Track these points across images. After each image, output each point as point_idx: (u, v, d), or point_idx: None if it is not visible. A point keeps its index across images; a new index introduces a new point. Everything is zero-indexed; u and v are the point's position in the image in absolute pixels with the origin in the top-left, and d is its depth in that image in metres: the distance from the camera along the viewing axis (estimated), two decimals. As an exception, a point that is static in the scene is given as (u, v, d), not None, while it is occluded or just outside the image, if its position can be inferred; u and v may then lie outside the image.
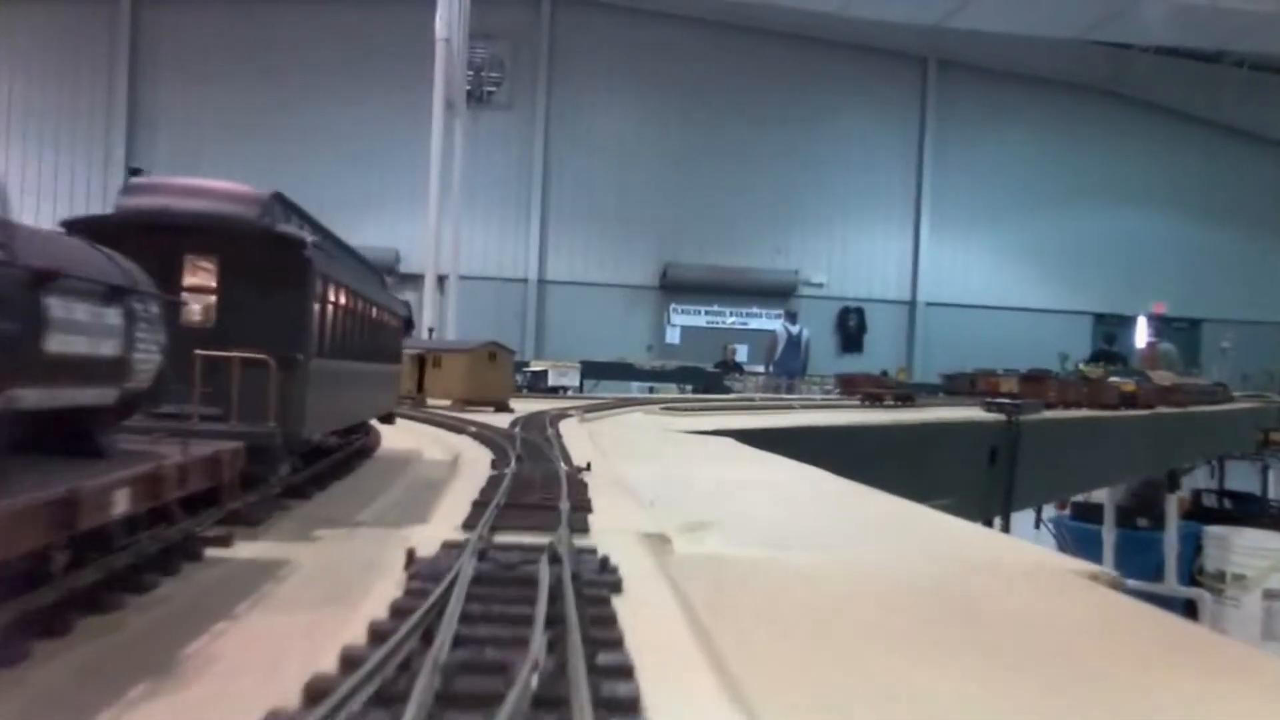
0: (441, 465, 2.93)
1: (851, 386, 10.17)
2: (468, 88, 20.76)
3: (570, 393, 6.99)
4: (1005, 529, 7.25)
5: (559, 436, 3.22)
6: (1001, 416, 7.22)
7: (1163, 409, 9.95)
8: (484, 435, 3.38)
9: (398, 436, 3.43)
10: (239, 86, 22.29)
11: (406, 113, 20.66)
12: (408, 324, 14.62)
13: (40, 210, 21.72)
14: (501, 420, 4.07)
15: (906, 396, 7.52)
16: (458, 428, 3.61)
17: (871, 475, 5.55)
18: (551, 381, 6.82)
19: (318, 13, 22.60)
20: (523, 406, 5.41)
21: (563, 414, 4.60)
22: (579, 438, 3.47)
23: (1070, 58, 23.55)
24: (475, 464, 2.70)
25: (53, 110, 22.07)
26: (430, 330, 12.84)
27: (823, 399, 8.64)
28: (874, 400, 7.20)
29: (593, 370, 14.66)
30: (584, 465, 2.58)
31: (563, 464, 2.54)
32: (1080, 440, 8.28)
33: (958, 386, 10.61)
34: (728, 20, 23.52)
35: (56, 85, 22.07)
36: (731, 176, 23.72)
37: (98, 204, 22.23)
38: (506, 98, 23.47)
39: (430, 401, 5.06)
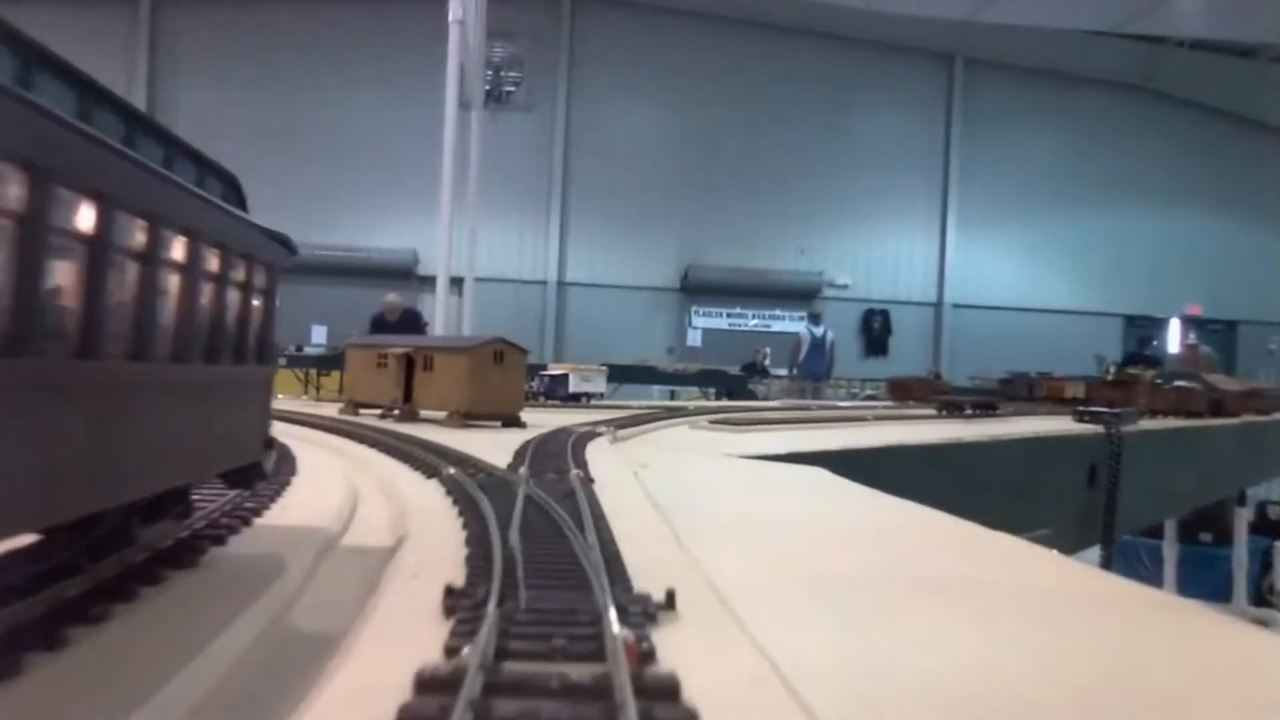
0: (362, 569, 1.46)
1: (904, 391, 8.82)
2: (486, 88, 19.56)
3: (592, 401, 5.67)
4: (1106, 562, 5.93)
5: (588, 481, 1.90)
6: (1099, 428, 5.89)
7: (1249, 416, 8.59)
8: (461, 489, 1.89)
9: (319, 484, 2.14)
10: (257, 87, 21.14)
11: (424, 113, 19.27)
12: (413, 318, 13.40)
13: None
14: (504, 446, 2.76)
15: (989, 405, 6.23)
16: (428, 465, 2.20)
17: (970, 505, 4.28)
18: (573, 388, 5.49)
19: (335, 13, 21.42)
20: (537, 419, 4.09)
21: (589, 433, 3.29)
22: (618, 480, 2.16)
23: (1102, 53, 22.07)
24: (432, 567, 1.40)
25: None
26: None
27: (885, 408, 7.31)
28: (953, 410, 5.91)
29: (614, 374, 13.37)
30: (661, 600, 1.19)
31: (605, 586, 1.15)
32: (1179, 453, 6.96)
33: (1014, 391, 9.22)
34: (751, 18, 22.18)
35: (73, 87, 20.94)
36: (754, 177, 22.37)
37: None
38: (526, 98, 22.20)
39: (423, 413, 3.78)
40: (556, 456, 2.38)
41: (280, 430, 3.08)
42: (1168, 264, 22.87)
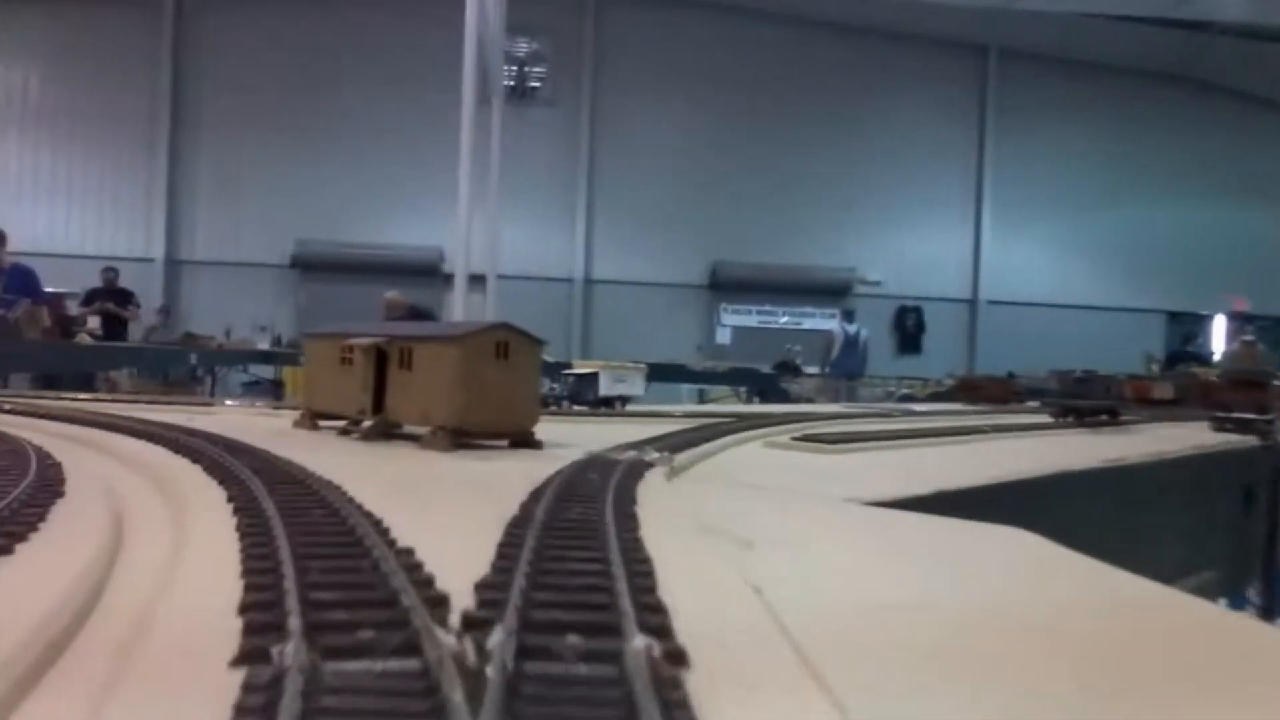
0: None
1: (975, 392, 7.49)
2: (510, 83, 18.44)
3: (627, 405, 4.40)
4: (1269, 608, 4.60)
5: (671, 665, 0.79)
6: (1252, 440, 4.58)
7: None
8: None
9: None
10: (280, 87, 20.11)
11: (447, 111, 18.11)
12: (423, 318, 12.20)
13: (85, 214, 19.77)
14: (490, 500, 1.52)
15: (1111, 410, 4.97)
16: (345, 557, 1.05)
17: (1129, 547, 3.05)
18: (604, 389, 4.25)
19: (359, 12, 20.34)
20: (557, 434, 2.86)
21: (636, 463, 2.06)
22: (726, 619, 0.96)
23: (1141, 42, 20.56)
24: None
25: (95, 115, 20.01)
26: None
27: (974, 410, 6.01)
28: (1075, 417, 4.66)
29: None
30: None
31: None
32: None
33: (1088, 392, 7.83)
34: (778, 11, 20.86)
35: (99, 90, 20.05)
36: (784, 172, 21.06)
37: (141, 208, 20.18)
38: (550, 93, 21.01)
39: (405, 426, 2.58)
40: (583, 534, 1.14)
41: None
42: (1211, 258, 21.31)
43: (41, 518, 1.24)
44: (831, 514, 1.83)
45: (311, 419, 3.02)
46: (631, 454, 2.34)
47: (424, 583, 0.91)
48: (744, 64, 20.88)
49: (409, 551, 1.03)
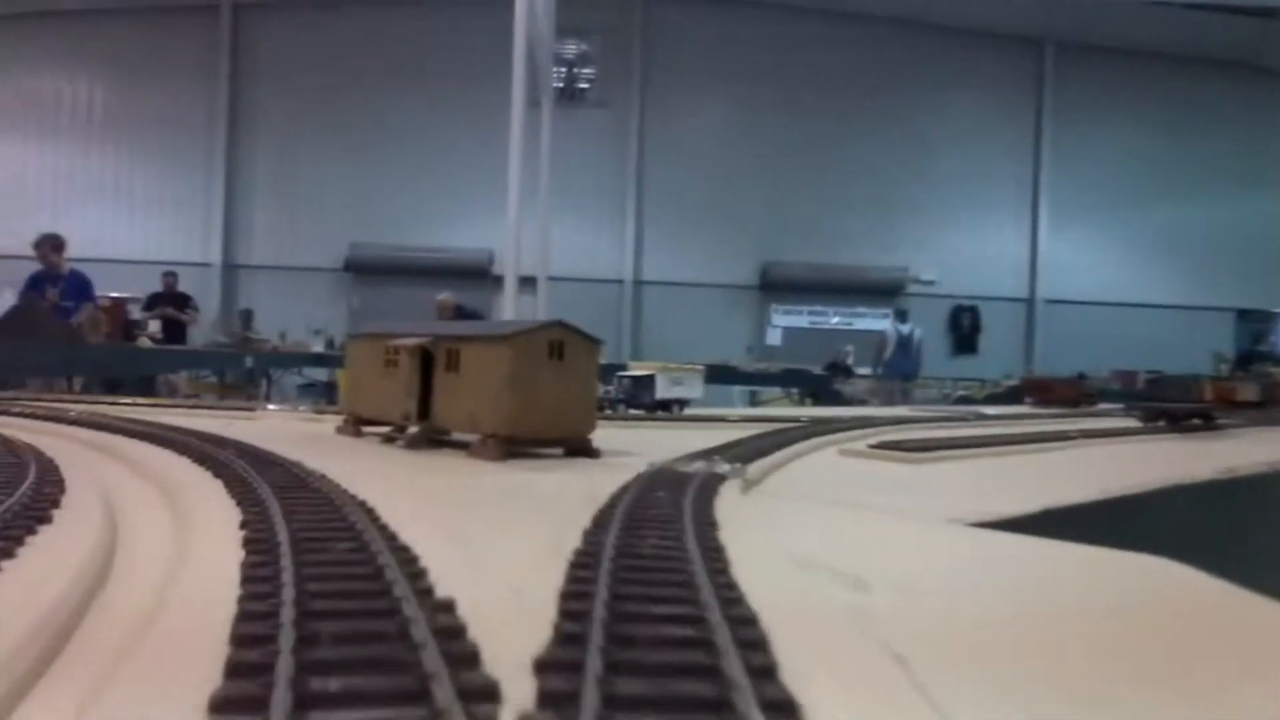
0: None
1: (1044, 393, 7.11)
2: (559, 85, 18.31)
3: (684, 409, 4.15)
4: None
5: None
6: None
7: None
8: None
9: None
10: (334, 91, 20.20)
11: (497, 114, 18.16)
12: (472, 319, 12.04)
13: (147, 220, 20.06)
14: (547, 523, 1.32)
15: (1205, 415, 4.61)
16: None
17: (1242, 569, 2.63)
18: (661, 393, 4.01)
19: (410, 15, 20.37)
20: (615, 442, 2.64)
21: (708, 477, 1.82)
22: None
23: (1205, 30, 19.76)
24: None
25: (156, 123, 20.31)
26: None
27: (1048, 413, 5.66)
28: (1168, 421, 4.31)
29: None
30: None
31: None
32: None
33: (1164, 394, 7.37)
34: (829, 8, 20.45)
35: (160, 99, 20.34)
36: (834, 170, 20.63)
37: (199, 214, 20.42)
38: (599, 94, 20.83)
39: (452, 432, 2.39)
40: (666, 579, 0.91)
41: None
42: (1280, 254, 20.43)
43: (19, 542, 1.04)
44: (940, 541, 1.57)
45: (354, 425, 2.82)
46: (700, 465, 2.10)
47: (466, 659, 0.67)
48: (794, 62, 20.50)
49: (448, 607, 0.80)
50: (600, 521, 1.26)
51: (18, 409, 2.79)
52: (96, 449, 2.03)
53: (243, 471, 1.53)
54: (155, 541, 1.16)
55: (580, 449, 2.48)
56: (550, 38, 14.12)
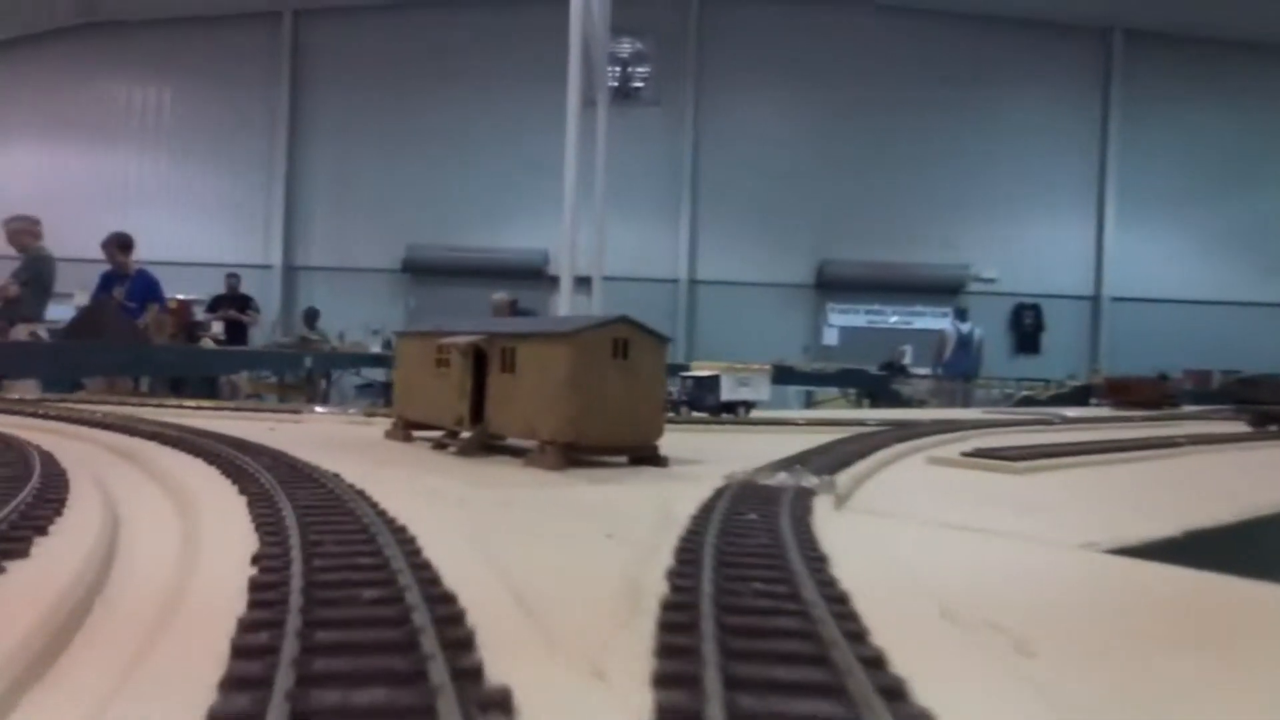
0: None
1: (1124, 393, 6.69)
2: (613, 84, 18.14)
3: (749, 411, 3.89)
4: None
5: None
6: None
7: None
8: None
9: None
10: (391, 93, 20.31)
11: (552, 113, 18.13)
12: (526, 314, 11.88)
13: (210, 223, 20.35)
14: (635, 547, 1.13)
15: (1320, 416, 4.24)
16: None
17: None
18: (725, 394, 3.76)
19: (464, 17, 20.38)
20: (683, 448, 2.40)
21: (798, 493, 1.59)
22: None
23: (1282, 17, 18.92)
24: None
25: (219, 129, 20.61)
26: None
27: (1133, 416, 5.27)
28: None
29: (753, 374, 11.61)
30: None
31: None
32: None
33: (1256, 395, 6.89)
34: (886, 2, 20.00)
35: (223, 105, 20.65)
36: (892, 167, 20.14)
37: (260, 217, 20.66)
38: (654, 93, 20.61)
39: (508, 438, 2.19)
40: (788, 647, 0.69)
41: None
42: (1365, 248, 19.44)
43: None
44: (1085, 575, 1.30)
45: (404, 429, 2.62)
46: (783, 477, 1.86)
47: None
48: (850, 56, 20.07)
49: (502, 703, 0.57)
50: (686, 556, 1.02)
51: (55, 411, 2.64)
52: (122, 456, 1.85)
53: (269, 486, 1.33)
54: (148, 576, 0.95)
55: (647, 457, 2.25)
56: (606, 37, 13.96)
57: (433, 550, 0.99)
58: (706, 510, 1.36)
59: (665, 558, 1.04)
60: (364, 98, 20.38)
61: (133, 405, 3.29)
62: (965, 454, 2.55)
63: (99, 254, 10.12)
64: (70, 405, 2.93)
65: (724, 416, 3.82)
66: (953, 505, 1.93)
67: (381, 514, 1.16)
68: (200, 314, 14.94)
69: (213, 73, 20.66)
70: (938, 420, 3.87)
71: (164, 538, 1.14)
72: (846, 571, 1.02)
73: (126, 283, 9.03)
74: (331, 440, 2.56)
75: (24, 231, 8.99)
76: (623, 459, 2.25)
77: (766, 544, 1.12)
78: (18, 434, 1.96)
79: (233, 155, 20.60)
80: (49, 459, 1.58)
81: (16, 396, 3.82)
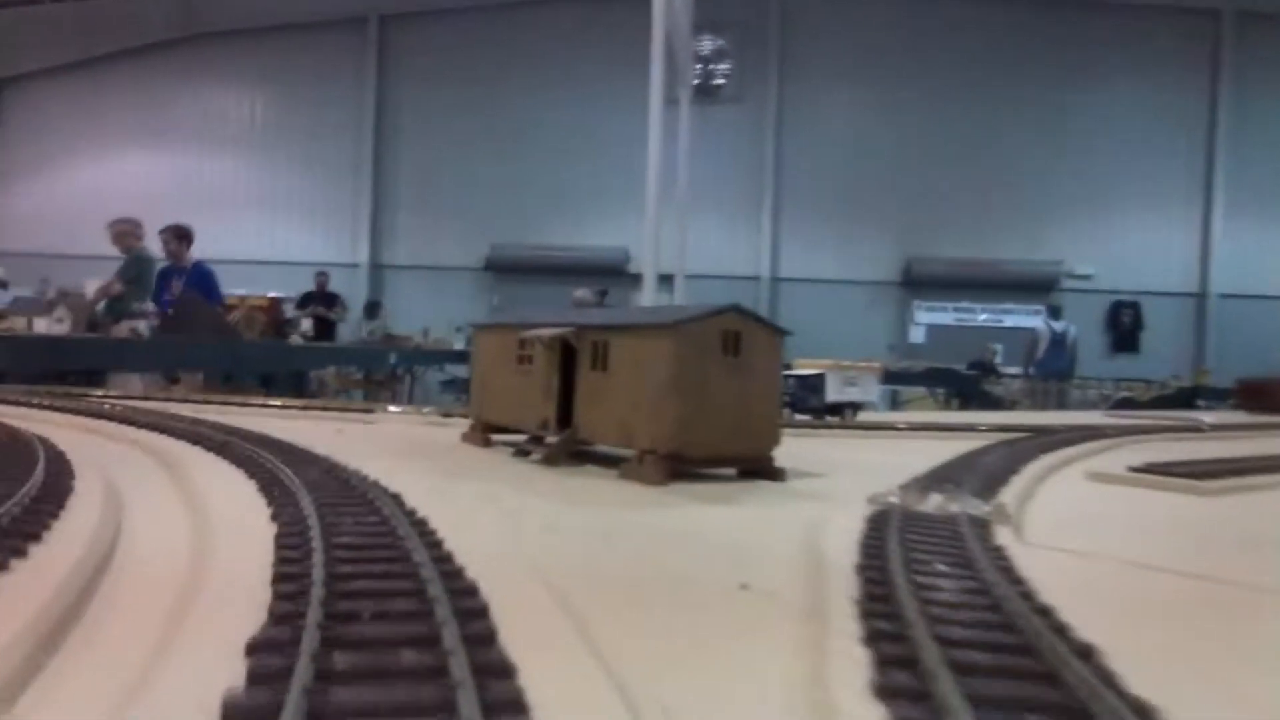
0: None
1: (1263, 399, 6.05)
2: (695, 81, 17.77)
3: (856, 414, 3.50)
4: None
5: None
6: None
7: None
8: None
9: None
10: (474, 94, 20.31)
11: (634, 111, 17.92)
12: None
13: (300, 223, 20.66)
14: (785, 605, 0.84)
15: None
16: None
17: None
18: (831, 395, 3.39)
19: (546, 16, 20.25)
20: (798, 458, 2.05)
21: (971, 521, 1.23)
22: None
23: None
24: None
25: (309, 132, 20.92)
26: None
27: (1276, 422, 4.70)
28: None
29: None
30: None
31: None
32: None
33: None
34: (976, -10, 19.18)
35: (312, 109, 20.96)
36: (982, 160, 19.29)
37: (348, 216, 20.89)
38: (735, 90, 20.15)
39: (599, 443, 1.92)
40: None
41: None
42: None
43: None
44: None
45: (482, 432, 2.32)
46: (939, 501, 1.49)
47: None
48: (937, 48, 19.30)
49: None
50: (889, 651, 0.67)
51: (109, 408, 2.42)
52: (161, 463, 1.58)
53: (306, 514, 1.02)
54: (119, 649, 0.64)
55: (760, 469, 1.90)
56: (688, 33, 13.66)
57: (507, 611, 0.66)
58: (873, 554, 1.00)
59: (846, 642, 0.69)
60: (448, 99, 20.44)
61: (197, 402, 3.07)
62: (1133, 469, 2.13)
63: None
64: (133, 403, 2.71)
65: (827, 419, 3.44)
66: (1155, 540, 1.53)
67: (444, 557, 0.84)
68: (290, 311, 15.11)
69: (302, 78, 20.98)
70: (1072, 426, 3.41)
71: (148, 598, 0.84)
72: (1124, 665, 0.66)
73: (183, 276, 8.99)
74: (401, 446, 2.27)
75: (127, 233, 9.10)
76: (730, 470, 1.91)
77: (991, 619, 0.76)
78: (53, 431, 1.72)
79: (322, 157, 20.88)
80: (61, 463, 1.32)
81: (100, 393, 3.66)
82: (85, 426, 2.17)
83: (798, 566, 1.04)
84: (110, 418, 2.31)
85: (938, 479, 1.78)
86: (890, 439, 3.10)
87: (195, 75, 21.16)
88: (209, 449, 1.71)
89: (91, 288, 9.98)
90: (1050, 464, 2.31)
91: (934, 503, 1.47)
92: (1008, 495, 1.67)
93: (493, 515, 1.29)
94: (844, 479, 1.96)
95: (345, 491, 1.22)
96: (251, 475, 1.40)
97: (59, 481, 1.15)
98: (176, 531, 1.09)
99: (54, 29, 20.93)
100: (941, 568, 0.97)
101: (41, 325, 8.23)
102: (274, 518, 1.08)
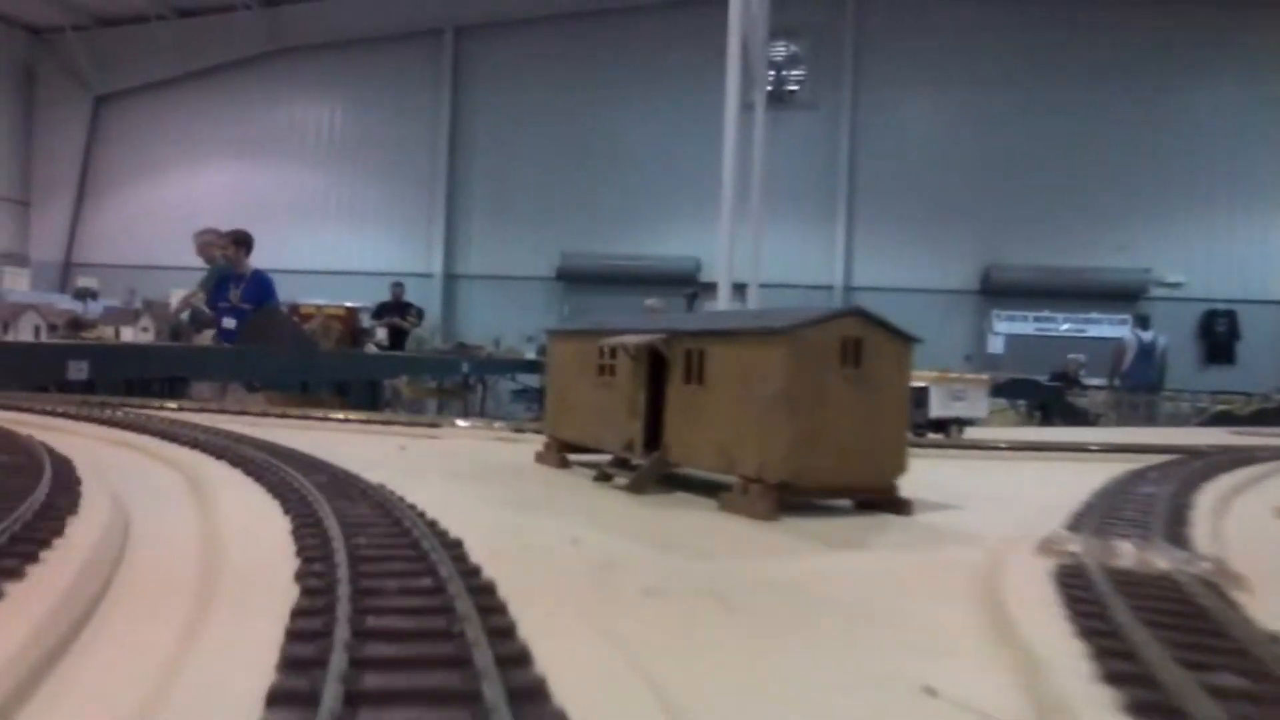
0: None
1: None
2: (769, 88, 17.43)
3: (963, 430, 3.16)
4: None
5: None
6: None
7: None
8: None
9: None
10: (546, 105, 20.29)
11: (707, 119, 17.70)
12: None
13: (376, 234, 20.89)
14: None
15: None
16: None
17: None
18: (935, 410, 3.06)
19: (617, 26, 20.13)
20: (914, 483, 1.75)
21: (1210, 594, 0.94)
22: None
23: None
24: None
25: (385, 144, 21.16)
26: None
27: None
28: None
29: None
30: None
31: None
32: None
33: None
34: (1055, -10, 18.45)
35: (388, 121, 21.21)
36: (1064, 165, 18.49)
37: (422, 227, 21.04)
38: (809, 96, 19.73)
39: (693, 468, 1.70)
40: None
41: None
42: None
43: None
44: None
45: (558, 451, 2.06)
46: (1127, 548, 1.18)
47: None
48: (1014, 49, 18.60)
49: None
50: None
51: (155, 423, 2.22)
52: (190, 488, 1.35)
53: (340, 576, 0.76)
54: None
55: (885, 502, 1.59)
56: (764, 39, 13.34)
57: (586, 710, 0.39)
58: (1104, 635, 0.70)
59: None
60: (520, 109, 20.45)
61: (258, 415, 2.88)
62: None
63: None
64: (183, 417, 2.52)
65: (930, 436, 3.11)
66: None
67: (506, 626, 0.57)
68: (366, 320, 15.19)
69: (380, 90, 21.24)
70: (1215, 447, 3.01)
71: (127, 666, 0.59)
72: None
73: (242, 284, 8.89)
74: (467, 467, 2.02)
75: (212, 244, 9.13)
76: (845, 501, 1.61)
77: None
78: (72, 445, 1.51)
79: (399, 167, 21.08)
80: (71, 482, 1.09)
81: (157, 404, 3.52)
82: (111, 439, 1.97)
83: (990, 654, 0.75)
84: (139, 429, 2.11)
85: (1105, 517, 1.47)
86: (999, 459, 2.75)
87: (280, 89, 21.59)
88: (247, 472, 1.48)
89: (175, 298, 10.09)
90: (1217, 493, 1.95)
91: (1128, 554, 1.16)
92: (1198, 540, 1.35)
93: (579, 573, 1.02)
94: (979, 513, 1.65)
95: (394, 538, 0.96)
96: (287, 510, 1.15)
97: (57, 515, 0.92)
98: (178, 578, 0.85)
99: (153, 46, 21.59)
100: (1230, 679, 0.66)
101: (128, 334, 8.33)
102: (301, 574, 0.82)
